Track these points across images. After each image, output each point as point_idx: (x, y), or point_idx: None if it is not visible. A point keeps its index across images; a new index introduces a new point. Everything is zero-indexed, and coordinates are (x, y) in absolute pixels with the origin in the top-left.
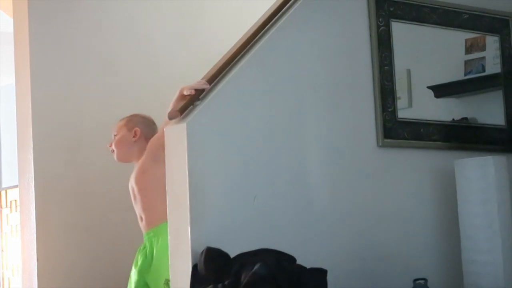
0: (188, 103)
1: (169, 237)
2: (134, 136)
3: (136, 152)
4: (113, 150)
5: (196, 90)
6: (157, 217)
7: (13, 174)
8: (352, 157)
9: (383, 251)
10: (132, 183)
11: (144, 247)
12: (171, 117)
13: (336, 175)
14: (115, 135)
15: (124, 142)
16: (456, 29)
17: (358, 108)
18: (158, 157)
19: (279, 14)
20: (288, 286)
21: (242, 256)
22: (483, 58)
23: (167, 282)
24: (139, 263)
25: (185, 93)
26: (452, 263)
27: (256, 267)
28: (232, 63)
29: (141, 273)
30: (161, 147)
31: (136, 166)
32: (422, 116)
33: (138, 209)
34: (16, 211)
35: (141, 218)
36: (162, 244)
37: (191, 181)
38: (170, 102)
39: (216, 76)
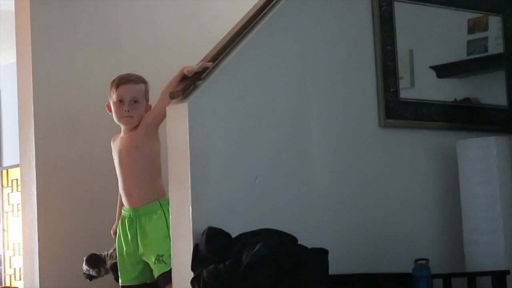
0: (190, 82)
1: (170, 216)
2: (146, 111)
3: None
4: (131, 116)
5: (196, 72)
6: (148, 194)
7: (14, 153)
8: (354, 138)
9: (384, 231)
10: (121, 156)
11: (132, 222)
12: (172, 96)
13: (338, 155)
14: (135, 101)
15: (142, 114)
16: (459, 9)
17: (360, 88)
18: (151, 134)
19: None
20: (289, 266)
21: (243, 236)
22: (486, 38)
23: (158, 257)
24: (129, 237)
25: (185, 72)
26: (454, 244)
27: (257, 247)
28: (233, 43)
29: (134, 248)
30: (155, 124)
31: (125, 138)
32: (424, 96)
33: (127, 183)
34: (17, 190)
35: (130, 193)
36: (154, 222)
37: (192, 161)
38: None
39: (217, 56)
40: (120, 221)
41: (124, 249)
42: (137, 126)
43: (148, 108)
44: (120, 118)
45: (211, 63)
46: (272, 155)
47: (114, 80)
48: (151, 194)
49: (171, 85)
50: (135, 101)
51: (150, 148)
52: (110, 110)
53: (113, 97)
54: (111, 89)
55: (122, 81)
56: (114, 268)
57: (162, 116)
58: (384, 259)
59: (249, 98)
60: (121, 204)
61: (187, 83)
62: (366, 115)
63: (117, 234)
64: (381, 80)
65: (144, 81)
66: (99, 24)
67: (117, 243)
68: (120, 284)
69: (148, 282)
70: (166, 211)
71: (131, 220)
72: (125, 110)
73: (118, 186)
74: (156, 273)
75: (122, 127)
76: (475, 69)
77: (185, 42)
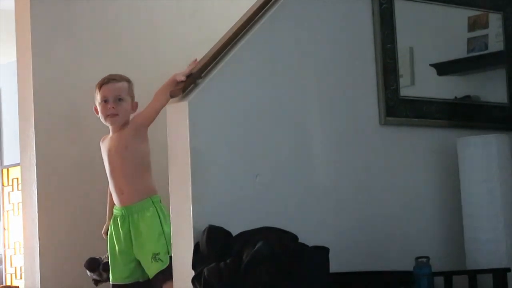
0: (190, 81)
1: (171, 215)
2: (133, 108)
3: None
4: (116, 114)
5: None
6: (140, 192)
7: (15, 152)
8: (355, 135)
9: (385, 229)
10: (111, 155)
11: (124, 220)
12: (173, 95)
13: (339, 153)
14: (119, 98)
15: (128, 111)
16: (459, 6)
17: (360, 86)
18: (140, 134)
19: None
20: (290, 265)
21: (244, 235)
22: (486, 35)
23: (154, 256)
24: (122, 235)
25: (178, 79)
26: (455, 241)
27: (258, 245)
28: (233, 41)
29: (127, 246)
30: (144, 125)
31: (114, 138)
32: (425, 94)
33: (118, 182)
34: (18, 189)
35: (122, 191)
36: (148, 221)
37: (193, 159)
38: (168, 80)
39: (217, 54)
40: (112, 220)
41: (117, 248)
42: (125, 125)
43: (134, 105)
44: (105, 117)
45: (196, 58)
46: (273, 153)
47: (97, 83)
48: (142, 192)
49: (164, 90)
50: (119, 99)
51: (139, 147)
52: (98, 112)
53: (97, 99)
54: (95, 91)
55: (104, 81)
56: (106, 267)
57: (153, 117)
58: (385, 257)
59: (250, 96)
60: (111, 204)
61: (187, 82)
62: (367, 113)
63: (109, 233)
64: (381, 78)
65: (127, 80)
66: (99, 23)
67: (108, 242)
68: (110, 283)
69: (140, 280)
70: (159, 208)
71: (123, 218)
72: (109, 108)
73: None
74: (152, 272)
75: (110, 127)
76: (476, 66)
77: (185, 40)
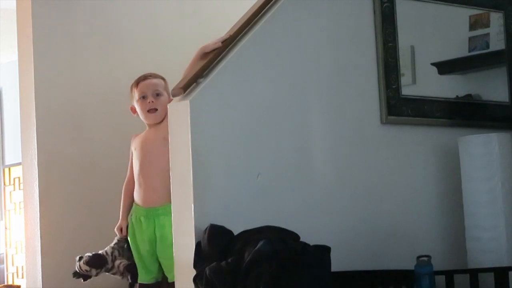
0: (192, 80)
1: (172, 214)
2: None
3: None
4: (155, 109)
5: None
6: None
7: (16, 152)
8: (356, 134)
9: (387, 228)
10: (146, 148)
11: (149, 222)
12: (174, 94)
13: (340, 152)
14: (157, 93)
15: (166, 106)
16: (460, 5)
17: (361, 85)
18: None
19: None
20: (291, 263)
21: (245, 233)
22: (487, 34)
23: None
24: (147, 237)
25: (208, 50)
26: (456, 240)
27: (259, 244)
28: (235, 41)
29: (152, 247)
30: None
31: (151, 131)
32: (426, 93)
33: (150, 177)
34: (19, 188)
35: (154, 188)
36: None
37: (194, 158)
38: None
39: (219, 54)
40: (134, 219)
41: (141, 249)
42: (163, 121)
43: (171, 102)
44: (145, 113)
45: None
46: (274, 152)
47: (133, 82)
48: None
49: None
50: (157, 94)
51: None
52: (135, 112)
53: (135, 96)
54: (131, 91)
55: (141, 79)
56: (130, 269)
57: None
58: (386, 256)
59: (251, 96)
60: (126, 201)
61: (189, 80)
62: (368, 112)
63: (130, 232)
64: (382, 77)
65: (162, 77)
66: (100, 21)
67: (130, 242)
68: (138, 282)
69: (159, 280)
70: None
71: (147, 220)
72: (149, 102)
73: (121, 183)
74: (174, 277)
75: (147, 123)
76: (477, 65)
77: (186, 39)
